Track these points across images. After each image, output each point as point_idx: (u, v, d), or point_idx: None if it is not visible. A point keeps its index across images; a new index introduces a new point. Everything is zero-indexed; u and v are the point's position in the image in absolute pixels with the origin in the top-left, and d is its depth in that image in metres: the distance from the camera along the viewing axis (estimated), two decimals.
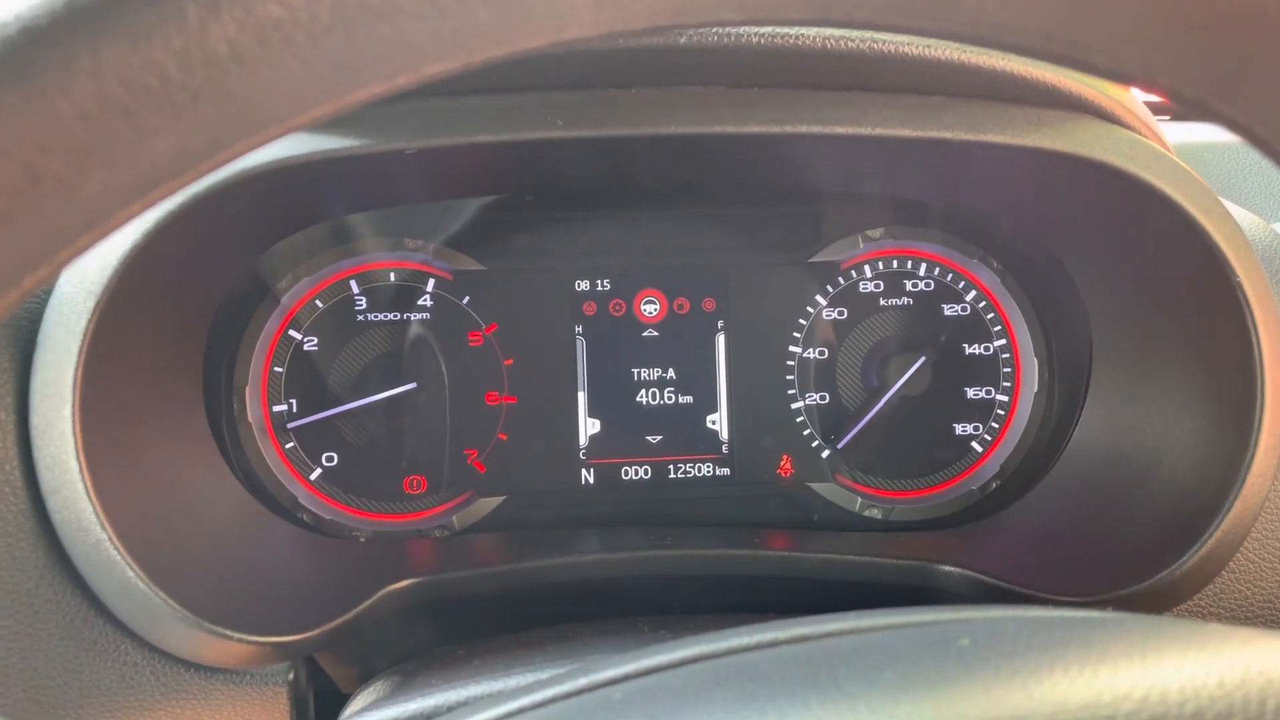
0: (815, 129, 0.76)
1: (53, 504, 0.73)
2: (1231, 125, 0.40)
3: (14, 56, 0.29)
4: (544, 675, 0.49)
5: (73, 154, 0.30)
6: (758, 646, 0.47)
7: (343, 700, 0.82)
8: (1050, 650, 0.39)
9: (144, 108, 0.30)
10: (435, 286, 1.06)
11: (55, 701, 0.76)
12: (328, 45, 0.32)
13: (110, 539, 0.71)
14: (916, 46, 0.75)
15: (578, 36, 0.36)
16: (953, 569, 0.90)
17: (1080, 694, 0.35)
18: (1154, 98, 1.01)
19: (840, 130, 0.76)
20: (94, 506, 0.71)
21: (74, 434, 0.71)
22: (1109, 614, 0.47)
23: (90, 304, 0.71)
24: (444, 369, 1.06)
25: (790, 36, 0.73)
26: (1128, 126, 0.81)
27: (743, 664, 0.44)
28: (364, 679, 0.83)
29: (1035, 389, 1.11)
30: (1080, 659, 0.38)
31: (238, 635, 0.75)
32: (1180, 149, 0.85)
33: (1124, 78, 0.39)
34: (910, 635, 0.45)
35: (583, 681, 0.46)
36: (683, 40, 0.72)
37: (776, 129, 0.75)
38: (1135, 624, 0.43)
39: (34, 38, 0.29)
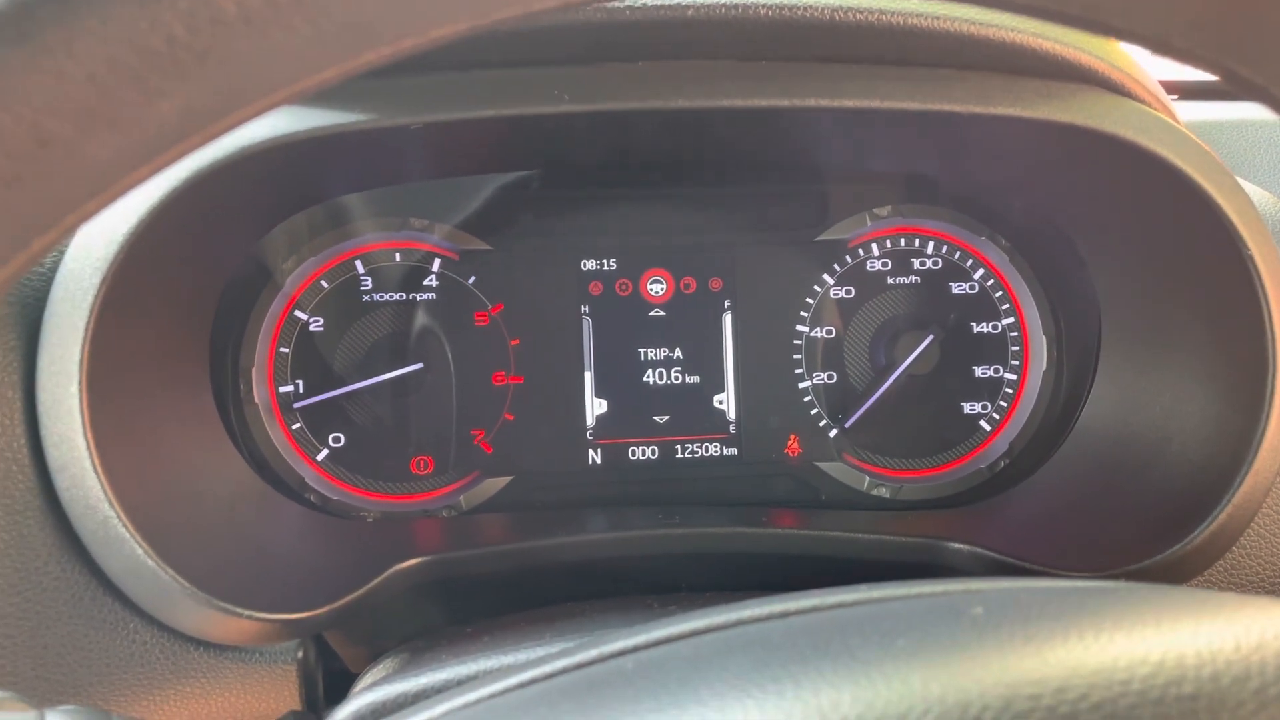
0: (824, 102, 0.75)
1: (60, 481, 0.73)
2: (1248, 88, 0.40)
3: (20, 17, 0.29)
4: (554, 649, 0.50)
5: (80, 116, 0.30)
6: (769, 617, 0.46)
7: (351, 679, 0.82)
8: (1064, 618, 0.39)
9: (151, 69, 0.30)
10: (441, 266, 1.06)
11: (65, 680, 0.76)
12: (335, 6, 0.31)
13: (118, 516, 0.71)
14: (925, 19, 0.74)
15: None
16: (961, 546, 0.90)
17: (1096, 659, 0.35)
18: (1165, 73, 1.00)
19: (849, 103, 0.75)
20: (102, 483, 0.71)
21: (81, 411, 0.71)
22: (1123, 584, 0.47)
23: (96, 280, 0.71)
24: (450, 349, 1.06)
25: (798, 8, 0.72)
26: (1137, 99, 0.81)
27: (755, 634, 0.44)
28: (372, 658, 0.83)
29: (1044, 367, 1.11)
30: (1095, 625, 0.37)
31: (247, 613, 0.75)
32: (1192, 126, 0.84)
33: (1140, 40, 0.39)
34: (923, 604, 0.45)
35: (594, 653, 0.46)
36: (689, 13, 0.71)
37: (784, 102, 0.75)
38: (1150, 592, 0.43)
39: None
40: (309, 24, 0.31)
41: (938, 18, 0.74)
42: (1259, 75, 0.39)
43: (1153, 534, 0.85)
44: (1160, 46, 0.39)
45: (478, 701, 0.46)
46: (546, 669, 0.46)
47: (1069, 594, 0.44)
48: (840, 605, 0.47)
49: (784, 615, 0.46)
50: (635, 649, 0.46)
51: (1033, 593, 0.46)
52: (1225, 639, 0.36)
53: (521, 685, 0.46)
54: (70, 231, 0.33)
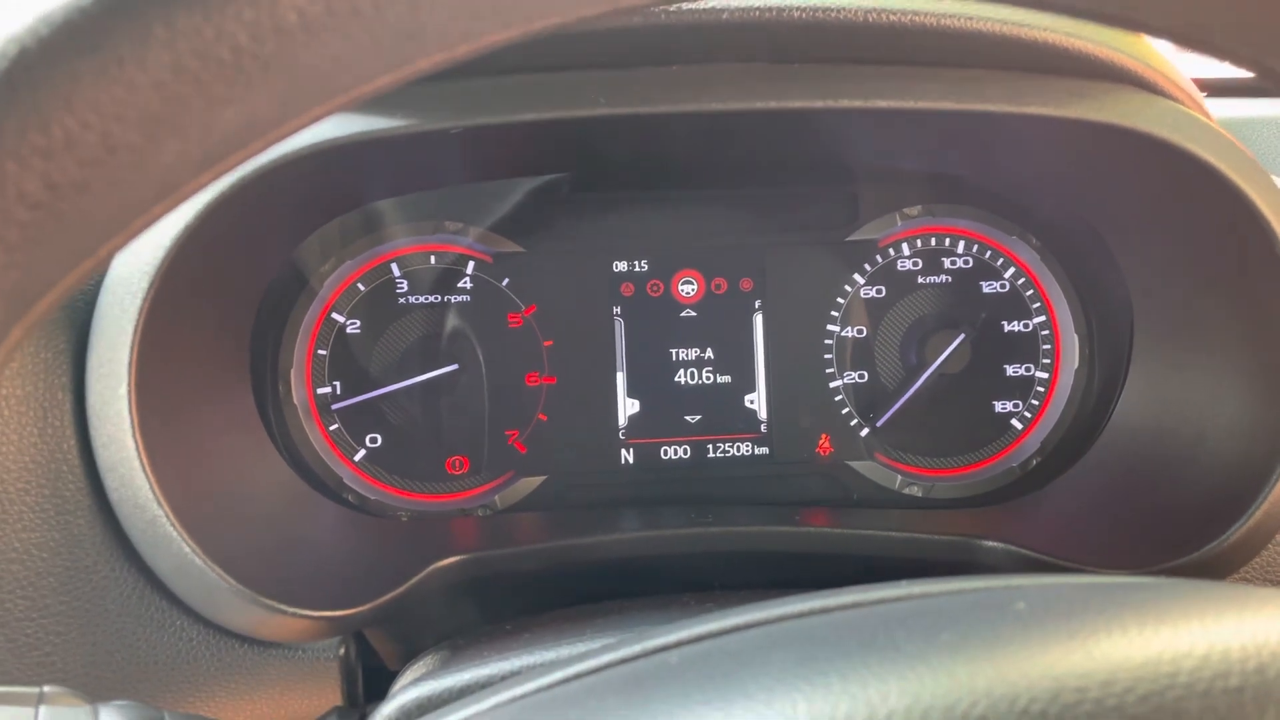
0: (857, 103, 0.75)
1: (109, 481, 0.74)
2: None
3: (91, 28, 0.30)
4: (596, 645, 0.50)
5: (147, 124, 0.31)
6: (811, 613, 0.47)
7: (387, 677, 0.83)
8: (1108, 612, 0.39)
9: (216, 77, 0.31)
10: (475, 269, 1.07)
11: (114, 676, 0.77)
12: (392, 14, 0.32)
13: (167, 515, 0.73)
14: (958, 19, 0.74)
15: (635, 5, 0.36)
16: (995, 544, 0.90)
17: (1141, 653, 0.35)
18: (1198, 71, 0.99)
19: (882, 104, 0.76)
20: (150, 483, 0.72)
21: (130, 412, 0.72)
22: (1164, 579, 0.47)
23: (145, 284, 0.72)
24: (484, 351, 1.07)
25: (831, 10, 0.73)
26: (1171, 97, 0.81)
27: (798, 628, 0.44)
28: (409, 656, 0.84)
29: (1075, 365, 1.11)
30: (1139, 620, 0.38)
31: (292, 610, 0.76)
32: (1226, 123, 0.83)
33: (1178, 38, 0.39)
34: (965, 600, 0.45)
35: (638, 647, 0.47)
36: (724, 16, 0.72)
37: (818, 104, 0.75)
38: (1192, 587, 0.43)
39: (110, 9, 0.30)
40: (367, 32, 0.32)
41: (970, 18, 0.74)
42: None
43: (1187, 532, 0.85)
44: (1200, 45, 0.39)
45: (524, 696, 0.47)
46: (591, 664, 0.47)
47: (1111, 589, 0.44)
48: (881, 600, 0.47)
49: (825, 611, 0.47)
50: (679, 644, 0.46)
51: (1075, 588, 0.46)
52: (1270, 633, 0.36)
53: (566, 680, 0.47)
54: (135, 236, 0.34)
